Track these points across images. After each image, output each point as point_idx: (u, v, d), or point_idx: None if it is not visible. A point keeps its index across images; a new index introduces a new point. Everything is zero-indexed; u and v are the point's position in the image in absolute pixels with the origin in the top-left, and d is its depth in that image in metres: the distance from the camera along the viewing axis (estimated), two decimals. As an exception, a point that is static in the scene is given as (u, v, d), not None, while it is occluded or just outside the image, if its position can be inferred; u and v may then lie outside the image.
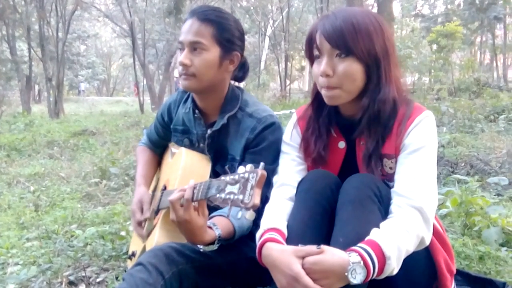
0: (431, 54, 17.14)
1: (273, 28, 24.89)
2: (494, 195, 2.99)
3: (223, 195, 1.12)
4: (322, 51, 1.28)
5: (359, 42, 1.25)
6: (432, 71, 15.68)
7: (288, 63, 24.30)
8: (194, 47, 1.51)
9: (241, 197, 1.07)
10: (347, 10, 1.33)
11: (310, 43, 1.32)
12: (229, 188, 1.11)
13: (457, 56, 23.46)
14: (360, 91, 1.30)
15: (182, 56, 1.52)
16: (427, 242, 1.20)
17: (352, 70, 1.26)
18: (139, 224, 1.59)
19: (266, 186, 1.30)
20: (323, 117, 1.38)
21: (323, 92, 1.30)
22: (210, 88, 1.57)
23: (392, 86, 1.30)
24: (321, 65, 1.27)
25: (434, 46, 16.36)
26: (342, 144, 1.37)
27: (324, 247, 1.08)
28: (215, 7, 1.61)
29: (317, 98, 1.39)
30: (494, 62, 24.67)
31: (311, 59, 1.35)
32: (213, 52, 1.52)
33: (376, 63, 1.28)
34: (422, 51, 19.61)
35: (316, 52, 1.30)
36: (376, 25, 1.28)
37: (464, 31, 18.86)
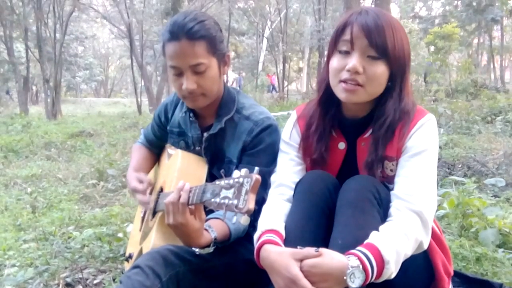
0: (428, 55, 17.16)
1: (271, 30, 24.90)
2: (491, 196, 3.00)
3: (218, 200, 1.12)
4: (354, 46, 1.24)
5: (395, 46, 1.24)
6: (430, 72, 15.70)
7: (286, 64, 24.29)
8: (197, 70, 1.46)
9: (235, 202, 1.07)
10: (382, 10, 1.31)
11: (340, 35, 1.27)
12: (224, 193, 1.11)
13: (455, 58, 23.52)
14: (378, 95, 1.29)
15: (186, 83, 1.46)
16: (425, 246, 1.20)
17: (381, 73, 1.24)
18: (145, 193, 1.59)
19: (264, 187, 1.30)
20: (329, 116, 1.36)
21: (343, 85, 1.25)
22: (214, 99, 1.57)
23: (409, 95, 1.30)
24: (352, 61, 1.23)
25: (432, 48, 16.38)
26: (342, 145, 1.36)
27: (322, 250, 1.08)
28: (193, 16, 1.48)
29: (326, 93, 1.35)
30: (491, 64, 24.72)
31: (332, 51, 1.30)
32: (214, 66, 1.51)
33: (401, 71, 1.27)
34: (419, 53, 19.65)
35: (344, 46, 1.26)
36: (404, 32, 1.28)
37: (461, 33, 18.90)
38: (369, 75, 1.24)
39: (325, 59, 1.36)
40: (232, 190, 1.10)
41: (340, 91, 1.27)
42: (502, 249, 2.05)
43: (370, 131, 1.31)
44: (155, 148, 1.90)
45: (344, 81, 1.25)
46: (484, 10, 20.35)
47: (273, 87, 25.44)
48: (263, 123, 1.53)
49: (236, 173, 1.12)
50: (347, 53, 1.25)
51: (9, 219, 3.05)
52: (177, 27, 1.44)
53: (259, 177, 1.07)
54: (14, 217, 3.10)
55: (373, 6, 11.02)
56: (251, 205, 1.05)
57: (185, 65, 1.46)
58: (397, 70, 1.27)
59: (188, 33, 1.43)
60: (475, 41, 26.39)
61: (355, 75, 1.23)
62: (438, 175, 3.53)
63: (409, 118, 1.27)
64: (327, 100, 1.36)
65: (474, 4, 20.40)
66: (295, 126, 1.44)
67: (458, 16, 22.19)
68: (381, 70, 1.24)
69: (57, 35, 15.21)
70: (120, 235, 2.38)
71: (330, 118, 1.36)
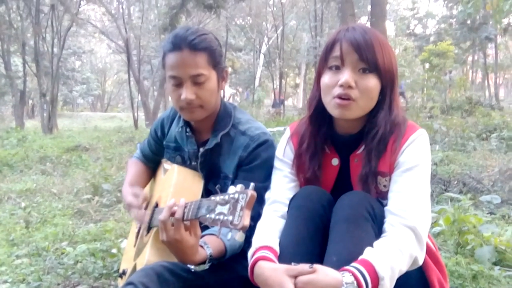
0: (423, 72, 17.32)
1: (267, 46, 25.12)
2: (487, 213, 3.00)
3: (213, 216, 1.11)
4: (345, 62, 1.26)
5: (384, 59, 1.26)
6: (425, 89, 15.84)
7: (283, 80, 24.46)
8: (197, 80, 1.48)
9: (230, 218, 1.06)
10: (368, 27, 1.33)
11: (329, 52, 1.29)
12: (219, 209, 1.10)
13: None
14: (370, 109, 1.30)
15: (186, 93, 1.47)
16: (420, 262, 1.19)
17: (372, 86, 1.26)
18: (140, 208, 1.58)
19: (259, 203, 1.29)
20: (320, 133, 1.36)
21: (337, 101, 1.26)
22: (211, 112, 1.58)
23: (399, 108, 1.31)
24: (344, 76, 1.24)
25: (427, 65, 16.55)
26: (335, 161, 1.36)
27: (316, 266, 1.07)
28: (195, 29, 1.52)
29: (316, 111, 1.36)
30: (486, 81, 24.98)
31: (322, 68, 1.32)
32: (213, 79, 1.52)
33: (391, 83, 1.29)
34: (415, 70, 19.84)
35: (334, 62, 1.28)
36: (390, 46, 1.31)
37: (456, 51, 19.11)
38: (361, 89, 1.25)
39: (315, 76, 1.37)
40: (227, 206, 1.09)
41: (333, 107, 1.28)
42: (498, 267, 2.05)
43: (363, 147, 1.32)
44: (151, 163, 1.90)
45: (338, 97, 1.26)
46: (478, 29, 20.65)
47: (281, 101, 25.55)
48: (259, 139, 1.54)
49: (231, 189, 1.12)
50: (337, 69, 1.27)
51: (2, 234, 3.02)
52: (179, 38, 1.47)
53: (254, 193, 1.07)
54: (7, 232, 3.07)
55: (368, 23, 11.17)
56: (246, 222, 1.05)
57: (186, 75, 1.47)
58: (387, 83, 1.29)
59: (190, 44, 1.46)
60: (470, 58, 26.70)
61: (348, 89, 1.24)
62: (434, 191, 3.55)
63: (400, 131, 1.28)
64: (318, 117, 1.36)
65: (469, 22, 20.69)
66: (288, 143, 1.44)
67: (452, 34, 22.51)
68: (373, 83, 1.26)
69: (55, 49, 15.27)
70: (114, 251, 2.35)
71: (322, 135, 1.37)
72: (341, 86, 1.25)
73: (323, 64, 1.32)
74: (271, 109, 20.07)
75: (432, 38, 24.40)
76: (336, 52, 1.27)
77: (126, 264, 1.68)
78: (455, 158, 4.87)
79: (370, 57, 1.24)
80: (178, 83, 1.49)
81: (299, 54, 25.94)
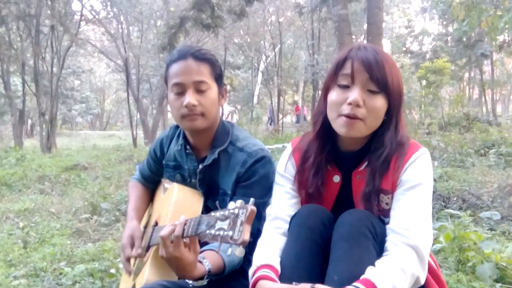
0: (420, 89, 17.41)
1: (265, 64, 25.32)
2: (487, 229, 2.99)
3: (213, 231, 1.11)
4: (355, 80, 1.27)
5: (393, 81, 1.27)
6: (422, 106, 15.90)
7: (281, 97, 24.61)
8: (199, 87, 1.52)
9: (230, 233, 1.07)
10: (378, 47, 1.35)
11: (339, 69, 1.30)
12: (219, 224, 1.10)
13: (446, 91, 23.91)
14: (376, 128, 1.31)
15: (189, 98, 1.50)
16: (422, 282, 1.19)
17: (380, 106, 1.27)
18: (128, 260, 1.56)
19: (258, 219, 1.29)
20: (326, 150, 1.37)
21: (344, 119, 1.26)
22: (211, 125, 1.59)
23: (404, 128, 1.33)
24: (353, 94, 1.25)
25: (424, 82, 16.65)
26: (337, 178, 1.37)
27: (318, 286, 1.07)
28: (198, 46, 1.62)
29: (323, 126, 1.36)
30: (483, 97, 25.15)
31: (331, 84, 1.32)
32: (214, 89, 1.56)
33: (397, 104, 1.30)
34: (412, 87, 19.95)
35: (344, 79, 1.28)
36: (398, 68, 1.32)
37: (452, 67, 19.27)
38: (369, 108, 1.26)
39: (322, 92, 1.38)
40: (227, 222, 1.09)
41: (340, 126, 1.28)
42: (499, 284, 2.03)
43: (365, 163, 1.32)
44: (151, 184, 1.90)
45: (345, 116, 1.26)
46: (474, 45, 20.86)
47: (304, 117, 25.62)
48: (257, 155, 1.54)
49: (231, 205, 1.12)
50: (346, 87, 1.28)
51: (0, 255, 2.99)
52: (184, 50, 1.56)
53: (254, 208, 1.07)
54: (5, 252, 3.05)
55: (365, 41, 11.27)
56: (246, 236, 1.05)
57: (189, 81, 1.51)
58: (394, 104, 1.30)
59: (194, 54, 1.54)
60: (466, 75, 26.92)
61: (356, 108, 1.25)
62: (433, 208, 3.54)
63: (403, 150, 1.29)
64: (324, 134, 1.37)
65: (464, 39, 20.90)
66: (290, 159, 1.45)
67: (448, 51, 22.70)
68: (380, 103, 1.27)
69: (54, 69, 15.35)
70: (113, 271, 2.34)
71: (327, 151, 1.37)
72: (349, 104, 1.25)
73: (331, 80, 1.32)
74: (297, 125, 20.03)
75: (428, 55, 24.55)
76: (347, 69, 1.28)
77: (124, 284, 1.67)
78: (454, 174, 4.87)
79: (380, 77, 1.25)
80: (181, 91, 1.53)
81: (296, 71, 26.15)
